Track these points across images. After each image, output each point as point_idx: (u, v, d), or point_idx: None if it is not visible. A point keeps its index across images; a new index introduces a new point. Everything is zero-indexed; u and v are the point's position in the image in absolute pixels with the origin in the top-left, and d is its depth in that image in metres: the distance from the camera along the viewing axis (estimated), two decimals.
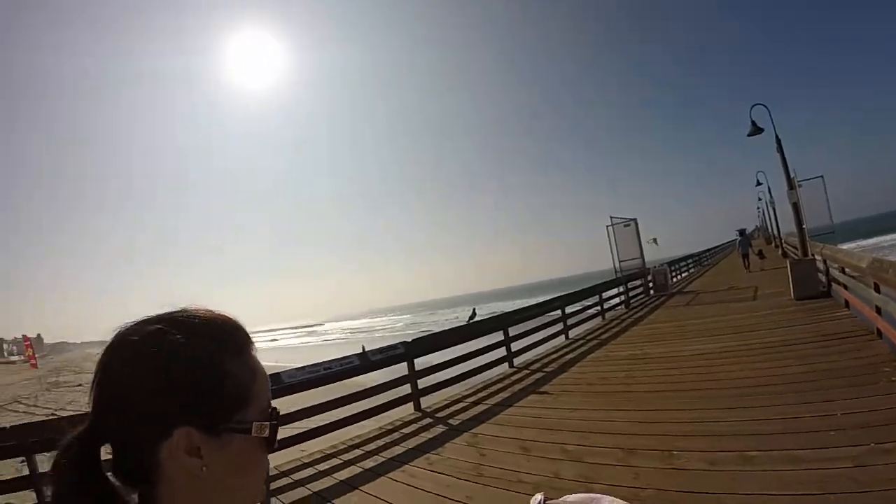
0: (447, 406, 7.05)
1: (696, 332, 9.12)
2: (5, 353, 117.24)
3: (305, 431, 5.92)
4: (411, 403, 7.01)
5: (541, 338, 9.98)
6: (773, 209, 27.51)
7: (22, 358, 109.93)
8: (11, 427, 4.90)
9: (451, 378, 7.63)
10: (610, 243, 18.02)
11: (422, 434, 6.01)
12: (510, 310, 9.56)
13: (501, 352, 8.77)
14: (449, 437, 5.73)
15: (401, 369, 7.19)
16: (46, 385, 31.96)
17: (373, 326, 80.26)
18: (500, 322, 9.01)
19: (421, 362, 7.35)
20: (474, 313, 8.61)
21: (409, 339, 7.42)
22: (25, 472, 4.56)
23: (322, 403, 6.04)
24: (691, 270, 28.90)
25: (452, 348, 7.89)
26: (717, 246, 50.90)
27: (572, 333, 11.25)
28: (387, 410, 6.62)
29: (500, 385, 7.75)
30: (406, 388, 7.06)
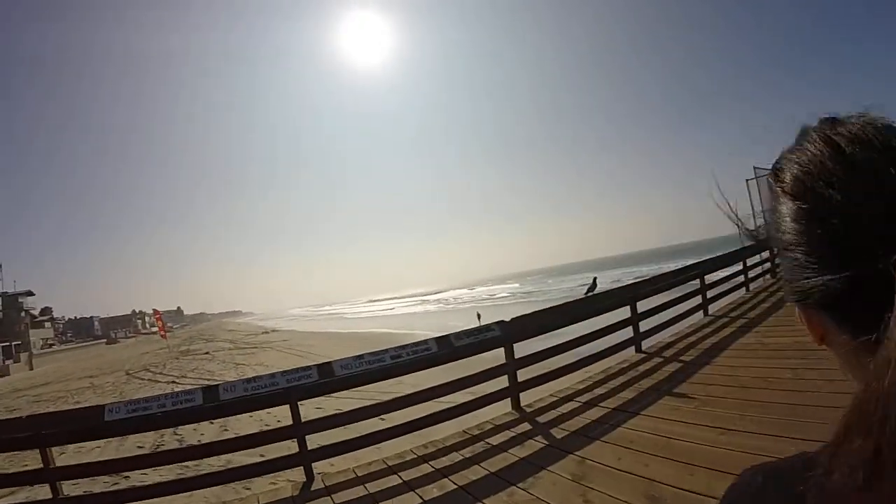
0: (553, 406, 5.41)
1: None
2: (147, 325, 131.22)
3: (362, 436, 4.77)
4: (508, 400, 5.50)
5: (674, 315, 7.89)
6: None
7: None
8: (28, 417, 4.62)
9: (562, 367, 5.93)
10: (750, 199, 14.87)
11: (512, 450, 4.46)
12: (635, 279, 7.64)
13: (626, 332, 6.91)
14: (547, 458, 4.15)
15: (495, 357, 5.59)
16: (176, 354, 34.14)
17: (478, 296, 77.36)
18: (624, 295, 7.03)
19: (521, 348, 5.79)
20: (594, 284, 6.77)
21: (509, 319, 5.75)
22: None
23: (394, 400, 4.88)
24: None
25: (563, 329, 6.23)
26: None
27: (712, 308, 9.00)
28: (473, 410, 5.19)
29: (623, 378, 5.92)
30: (502, 381, 5.52)
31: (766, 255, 12.88)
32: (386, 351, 4.94)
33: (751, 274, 11.37)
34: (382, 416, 5.06)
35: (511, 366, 5.46)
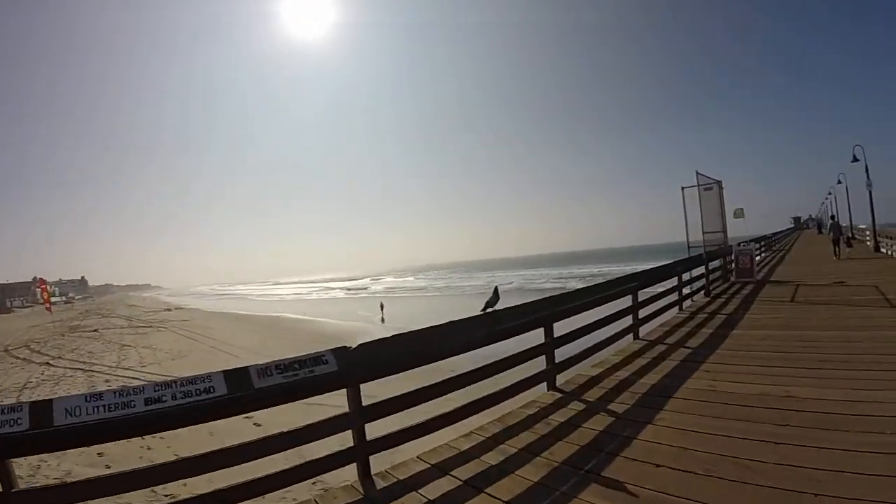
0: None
1: (842, 354, 5.43)
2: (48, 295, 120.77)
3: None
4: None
5: (597, 339, 6.27)
6: (871, 194, 22.30)
7: (63, 299, 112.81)
8: None
9: (442, 416, 4.01)
10: (685, 209, 13.69)
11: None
12: (558, 292, 6.37)
13: (536, 363, 5.26)
14: None
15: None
16: (65, 329, 31.36)
17: (396, 285, 76.83)
18: (539, 313, 5.28)
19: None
20: (496, 295, 4.88)
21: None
22: None
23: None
24: (762, 255, 24.62)
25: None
26: (779, 231, 46.48)
27: (643, 330, 7.49)
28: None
29: (525, 437, 4.05)
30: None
31: (701, 269, 11.77)
32: (140, 390, 2.89)
33: (685, 290, 10.03)
34: None
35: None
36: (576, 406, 4.63)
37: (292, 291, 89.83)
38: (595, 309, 6.27)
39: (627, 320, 7.15)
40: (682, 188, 13.90)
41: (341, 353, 3.36)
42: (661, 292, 9.23)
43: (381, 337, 3.58)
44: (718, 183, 14.22)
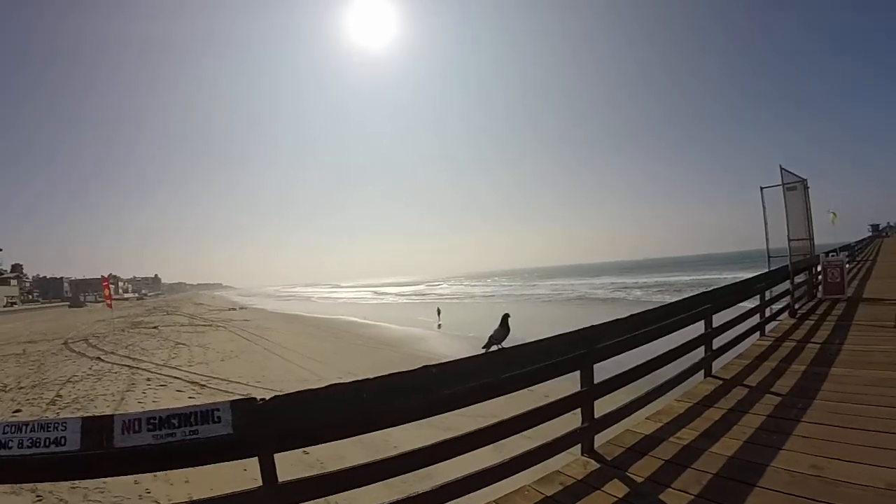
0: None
1: None
2: (120, 291, 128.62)
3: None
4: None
5: (649, 382, 4.64)
6: None
7: (136, 296, 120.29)
8: None
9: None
10: (764, 213, 11.53)
11: None
12: (593, 324, 3.98)
13: (570, 420, 3.75)
14: None
15: None
16: (128, 324, 32.51)
17: (460, 292, 75.09)
18: (567, 353, 3.72)
19: None
20: (505, 326, 3.55)
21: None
22: None
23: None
24: (846, 266, 21.47)
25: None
26: (862, 240, 43.26)
27: (717, 365, 5.84)
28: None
29: None
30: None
31: (786, 284, 9.87)
32: None
33: (767, 311, 8.20)
34: None
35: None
36: (614, 489, 3.22)
37: (355, 294, 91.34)
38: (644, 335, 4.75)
39: (698, 352, 5.58)
40: (762, 188, 11.68)
41: (244, 409, 2.23)
42: (739, 314, 7.48)
43: (310, 388, 2.40)
44: (803, 182, 12.05)
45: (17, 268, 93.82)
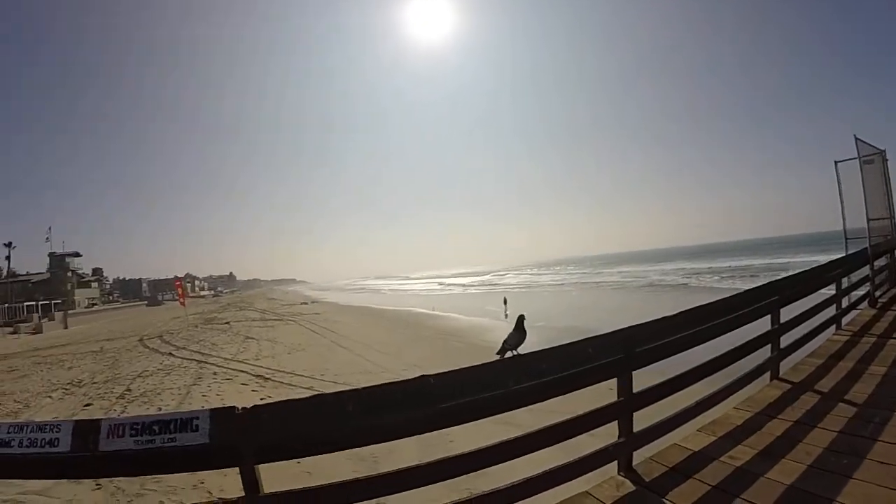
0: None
1: None
2: (196, 289, 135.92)
3: None
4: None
5: (705, 388, 4.04)
6: None
7: (212, 293, 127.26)
8: None
9: None
10: (840, 190, 10.31)
11: None
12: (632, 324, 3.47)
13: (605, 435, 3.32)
14: None
15: None
16: (201, 321, 33.98)
17: (526, 281, 73.55)
18: (607, 355, 3.22)
19: None
20: (520, 329, 3.28)
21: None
22: None
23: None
24: None
25: None
26: None
27: (784, 366, 5.17)
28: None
29: None
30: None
31: (865, 270, 8.89)
32: None
33: (843, 301, 7.34)
34: None
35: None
36: None
37: (424, 286, 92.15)
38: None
39: (763, 351, 4.90)
40: (836, 162, 10.46)
41: (222, 418, 2.14)
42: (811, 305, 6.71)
43: (293, 398, 2.31)
44: (881, 153, 10.66)
45: (97, 271, 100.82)
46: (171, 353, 18.40)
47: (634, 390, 3.30)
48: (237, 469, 2.21)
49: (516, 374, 2.74)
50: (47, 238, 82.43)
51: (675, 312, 3.75)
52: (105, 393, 11.74)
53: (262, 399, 10.31)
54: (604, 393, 3.33)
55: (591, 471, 3.12)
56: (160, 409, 9.81)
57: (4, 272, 77.68)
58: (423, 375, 2.48)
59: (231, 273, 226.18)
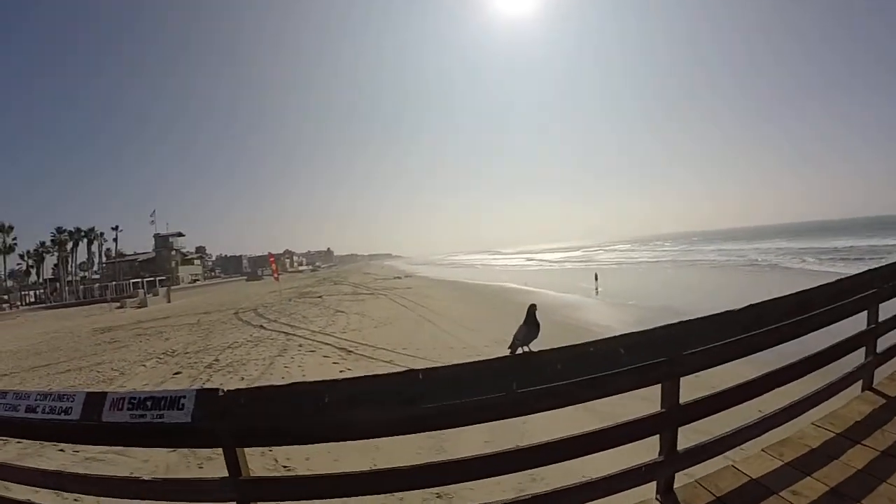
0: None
1: None
2: (295, 264, 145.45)
3: None
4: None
5: (775, 400, 3.28)
6: None
7: (310, 268, 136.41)
8: None
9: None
10: None
11: None
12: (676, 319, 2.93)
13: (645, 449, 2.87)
14: None
15: None
16: (293, 296, 35.93)
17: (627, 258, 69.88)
18: (648, 362, 2.71)
19: None
20: (533, 322, 2.95)
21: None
22: None
23: None
24: None
25: None
26: None
27: (879, 375, 4.15)
28: None
29: None
30: None
31: None
32: (26, 396, 2.67)
33: None
34: None
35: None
36: None
37: (517, 261, 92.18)
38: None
39: (854, 357, 3.95)
40: None
41: (205, 399, 2.26)
42: None
43: (272, 385, 2.35)
44: None
45: (200, 249, 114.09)
46: (262, 326, 19.59)
47: (682, 400, 2.90)
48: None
49: (522, 375, 2.50)
50: (152, 220, 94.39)
51: (736, 308, 3.17)
52: (195, 363, 12.79)
53: (341, 371, 10.89)
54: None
55: (622, 490, 2.77)
56: (242, 379, 10.52)
57: (113, 253, 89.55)
58: (412, 370, 2.39)
59: (329, 249, 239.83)
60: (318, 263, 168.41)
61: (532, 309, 2.73)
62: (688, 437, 2.96)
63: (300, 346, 14.25)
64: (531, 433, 3.21)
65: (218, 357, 13.26)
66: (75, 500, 3.84)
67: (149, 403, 2.27)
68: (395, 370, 2.67)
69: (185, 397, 2.24)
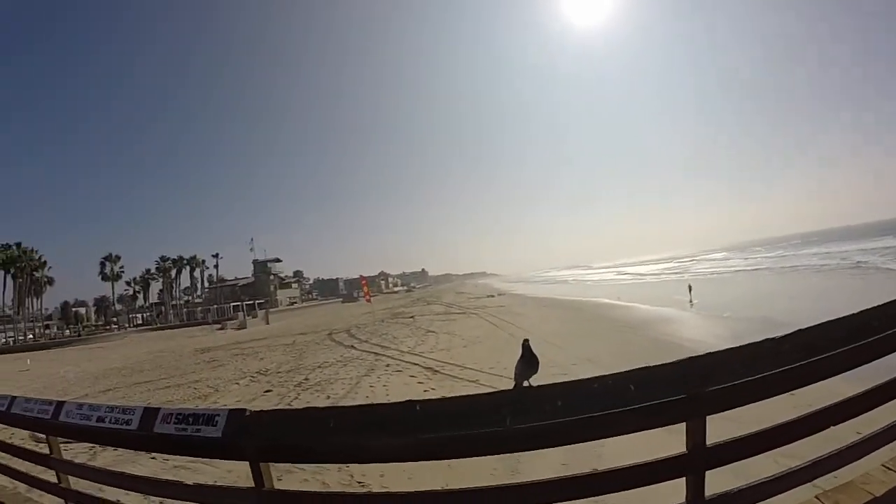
0: None
1: None
2: (390, 285, 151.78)
3: None
4: None
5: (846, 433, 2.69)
6: None
7: (405, 289, 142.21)
8: None
9: None
10: None
11: None
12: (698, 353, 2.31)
13: None
14: None
15: None
16: (386, 316, 37.23)
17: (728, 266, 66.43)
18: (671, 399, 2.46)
19: None
20: (530, 358, 2.95)
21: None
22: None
23: None
24: None
25: None
26: None
27: None
28: None
29: None
30: None
31: None
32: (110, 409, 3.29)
33: None
34: None
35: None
36: None
37: (610, 275, 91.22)
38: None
39: None
40: None
41: (234, 418, 2.67)
42: None
43: (289, 408, 2.71)
44: None
45: (297, 273, 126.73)
46: (352, 346, 20.56)
47: (711, 441, 2.60)
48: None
49: (517, 411, 2.46)
50: (251, 248, 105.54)
51: (776, 336, 2.70)
52: (285, 381, 13.72)
53: (425, 391, 11.24)
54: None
55: None
56: (328, 398, 11.19)
57: (214, 278, 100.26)
58: (410, 401, 2.52)
59: (423, 269, 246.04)
60: (412, 284, 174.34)
61: (526, 343, 2.68)
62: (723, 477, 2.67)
63: (387, 366, 14.87)
64: (607, 457, 3.16)
65: (308, 376, 14.11)
66: (160, 502, 4.28)
67: (190, 419, 2.75)
68: (482, 391, 2.76)
69: (218, 415, 2.69)
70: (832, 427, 2.76)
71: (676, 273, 63.05)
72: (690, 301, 26.44)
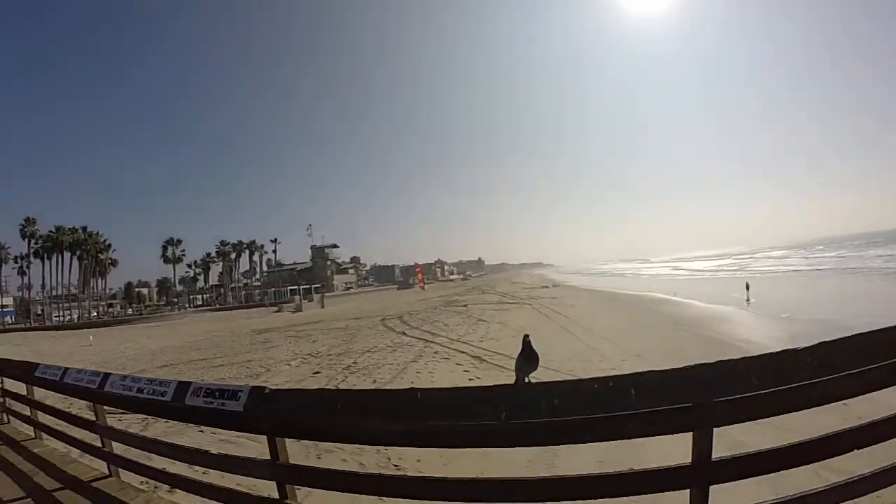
0: None
1: None
2: (446, 273, 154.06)
3: None
4: None
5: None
6: None
7: (461, 277, 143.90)
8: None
9: None
10: None
11: None
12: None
13: None
14: None
15: None
16: (440, 304, 37.44)
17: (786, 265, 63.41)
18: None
19: None
20: (531, 358, 2.88)
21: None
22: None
23: None
24: None
25: None
26: None
27: None
28: None
29: None
30: None
31: None
32: (150, 381, 3.84)
33: None
34: None
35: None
36: None
37: (669, 269, 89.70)
38: None
39: None
40: None
41: (254, 394, 2.95)
42: None
43: (303, 388, 2.93)
44: None
45: (354, 259, 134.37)
46: (403, 332, 20.78)
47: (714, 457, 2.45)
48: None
49: (513, 407, 2.46)
50: (309, 233, 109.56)
51: (799, 347, 2.45)
52: (334, 364, 14.11)
53: (470, 380, 11.40)
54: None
55: None
56: (374, 382, 11.49)
57: (273, 263, 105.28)
58: (412, 388, 2.68)
59: (479, 258, 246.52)
60: (468, 272, 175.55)
61: (526, 339, 2.79)
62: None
63: (436, 353, 15.04)
64: (644, 455, 3.10)
65: (356, 360, 14.45)
66: (203, 472, 4.58)
67: (217, 393, 3.08)
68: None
69: (241, 391, 2.99)
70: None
71: (733, 270, 61.40)
72: (747, 300, 25.89)
